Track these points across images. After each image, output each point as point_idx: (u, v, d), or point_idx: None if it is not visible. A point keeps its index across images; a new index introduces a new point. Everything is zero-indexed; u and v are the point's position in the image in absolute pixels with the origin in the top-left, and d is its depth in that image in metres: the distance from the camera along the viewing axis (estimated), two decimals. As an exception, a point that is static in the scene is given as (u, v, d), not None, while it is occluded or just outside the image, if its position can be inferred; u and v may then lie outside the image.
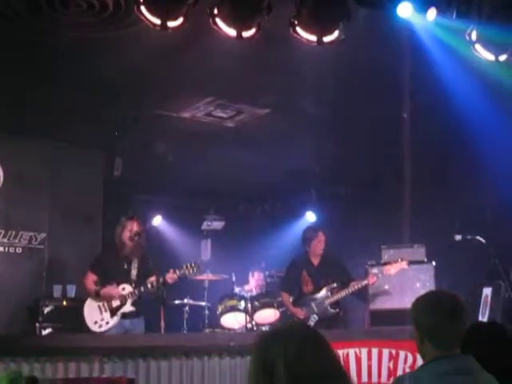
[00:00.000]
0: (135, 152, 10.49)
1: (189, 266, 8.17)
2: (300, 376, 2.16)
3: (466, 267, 9.11)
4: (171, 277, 7.98)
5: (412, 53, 7.27)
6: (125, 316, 8.01)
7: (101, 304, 7.99)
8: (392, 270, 8.64)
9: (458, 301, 3.18)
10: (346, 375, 2.26)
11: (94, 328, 7.91)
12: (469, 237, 8.66)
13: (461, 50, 6.64)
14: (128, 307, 8.00)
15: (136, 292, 7.99)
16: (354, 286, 8.61)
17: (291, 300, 8.84)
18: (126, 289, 8.05)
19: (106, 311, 7.97)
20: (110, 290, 8.01)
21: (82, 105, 8.67)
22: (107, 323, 7.93)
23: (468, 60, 6.80)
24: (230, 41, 6.08)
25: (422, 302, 3.23)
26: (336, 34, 5.97)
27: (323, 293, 8.70)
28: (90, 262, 8.38)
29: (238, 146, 10.20)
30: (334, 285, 8.69)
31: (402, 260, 8.69)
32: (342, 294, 8.63)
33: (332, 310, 8.64)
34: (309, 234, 9.03)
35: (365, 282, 8.64)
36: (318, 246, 8.89)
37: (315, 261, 8.95)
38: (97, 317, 7.96)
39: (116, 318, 7.96)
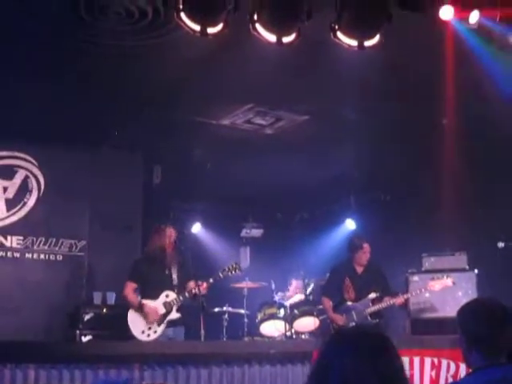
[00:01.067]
0: (174, 159, 10.53)
1: (231, 266, 8.21)
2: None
3: (510, 275, 8.94)
4: (203, 287, 7.97)
5: (454, 57, 7.17)
6: (170, 324, 8.00)
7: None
8: (436, 286, 8.50)
9: (506, 308, 3.12)
10: None
11: (142, 337, 7.88)
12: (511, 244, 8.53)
13: (503, 54, 6.53)
14: (174, 314, 7.99)
15: (181, 298, 7.98)
16: (387, 302, 8.52)
17: (332, 306, 8.79)
18: (170, 296, 8.04)
19: (153, 323, 7.95)
20: (150, 308, 7.98)
21: (121, 111, 8.69)
22: (155, 332, 7.92)
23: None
24: (270, 47, 6.05)
25: (471, 309, 3.17)
26: (377, 38, 5.89)
27: (364, 302, 8.62)
28: (129, 271, 8.38)
29: (276, 153, 10.16)
30: (376, 295, 8.61)
31: (447, 277, 8.55)
32: (383, 305, 8.55)
33: (371, 320, 8.54)
34: (355, 243, 8.97)
35: (396, 300, 8.52)
36: (363, 257, 8.84)
37: (359, 269, 8.89)
38: (143, 326, 7.94)
39: (163, 326, 7.95)
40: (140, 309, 8.00)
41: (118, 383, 2.47)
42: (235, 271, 8.28)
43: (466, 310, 3.16)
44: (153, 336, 7.91)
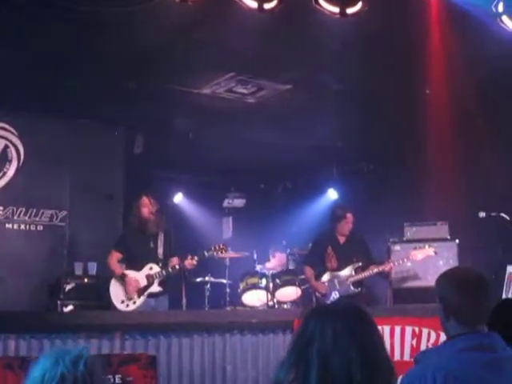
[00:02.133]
0: (156, 129, 10.45)
1: (217, 247, 8.19)
2: (330, 360, 2.09)
3: (490, 245, 8.98)
4: (190, 263, 7.97)
5: (438, 23, 7.13)
6: (151, 295, 8.00)
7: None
8: (418, 255, 8.55)
9: (484, 278, 3.11)
10: (388, 367, 2.18)
11: (121, 307, 7.90)
12: (493, 214, 8.55)
13: (486, 20, 6.49)
14: (155, 287, 7.99)
15: (163, 272, 7.97)
16: (372, 270, 8.56)
17: (314, 275, 8.81)
18: (154, 268, 8.03)
19: (132, 294, 7.95)
20: (131, 279, 7.96)
21: (101, 81, 8.60)
22: (134, 303, 7.92)
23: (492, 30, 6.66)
24: (251, 13, 5.98)
25: (448, 278, 3.16)
26: (359, 5, 5.85)
27: (347, 271, 8.65)
28: (115, 241, 8.37)
29: (259, 122, 10.11)
30: (359, 264, 8.64)
31: (429, 246, 8.59)
32: (365, 274, 8.58)
33: (354, 289, 8.58)
34: (338, 213, 8.97)
35: (381, 268, 8.56)
36: (346, 227, 8.85)
37: (341, 239, 8.90)
38: (123, 296, 7.95)
39: (143, 298, 7.95)
40: (121, 278, 7.99)
41: (72, 353, 2.44)
42: (222, 252, 8.29)
43: (444, 279, 3.14)
44: (132, 307, 7.91)
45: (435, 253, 8.59)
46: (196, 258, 8.00)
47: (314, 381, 2.07)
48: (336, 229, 8.92)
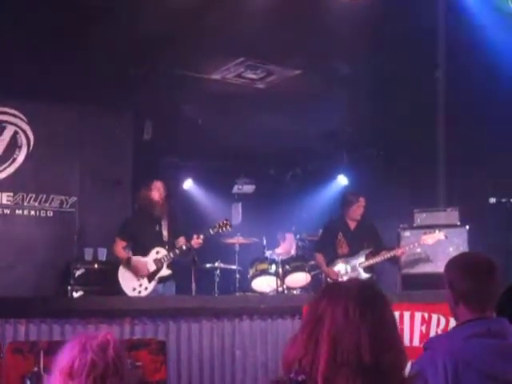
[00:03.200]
0: (165, 115, 10.44)
1: (221, 223, 8.18)
2: (340, 339, 2.08)
3: (500, 231, 8.95)
4: (196, 242, 7.94)
5: (447, 10, 7.08)
6: (161, 280, 8.00)
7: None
8: (429, 240, 8.55)
9: (493, 263, 3.09)
10: (398, 349, 2.15)
11: (133, 294, 7.87)
12: (503, 200, 8.51)
13: (498, 5, 6.44)
14: (165, 271, 7.98)
15: (171, 254, 7.96)
16: (384, 255, 8.57)
17: (325, 261, 8.81)
18: (161, 252, 8.01)
19: (142, 277, 7.95)
20: (139, 261, 7.97)
21: (110, 67, 8.59)
22: (146, 288, 7.91)
23: (505, 16, 6.60)
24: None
25: (457, 263, 3.14)
26: (369, -11, 5.81)
27: (358, 257, 8.65)
28: (118, 229, 8.34)
29: (268, 108, 10.09)
30: (369, 250, 8.64)
31: (439, 231, 8.58)
32: (376, 259, 8.58)
33: (365, 274, 8.58)
34: (350, 197, 8.96)
35: (393, 253, 8.57)
36: (357, 211, 8.83)
37: (352, 224, 8.89)
38: (134, 283, 7.93)
39: (154, 283, 7.94)
40: (128, 264, 7.97)
41: (98, 338, 2.39)
42: (226, 227, 8.26)
43: (452, 265, 3.13)
44: (143, 293, 7.91)
45: (446, 237, 8.58)
46: (202, 236, 7.98)
47: (323, 360, 2.06)
48: (347, 214, 8.90)
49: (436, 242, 8.60)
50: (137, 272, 7.91)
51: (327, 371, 2.05)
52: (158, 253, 8.01)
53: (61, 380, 2.47)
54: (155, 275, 7.96)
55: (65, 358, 2.47)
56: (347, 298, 2.14)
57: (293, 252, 10.32)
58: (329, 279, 8.72)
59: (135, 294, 7.88)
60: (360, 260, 8.64)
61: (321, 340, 2.09)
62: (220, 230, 8.21)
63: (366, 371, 2.05)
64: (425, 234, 8.63)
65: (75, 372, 2.44)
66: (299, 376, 2.10)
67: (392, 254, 8.58)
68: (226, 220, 8.31)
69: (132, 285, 7.93)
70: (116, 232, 8.29)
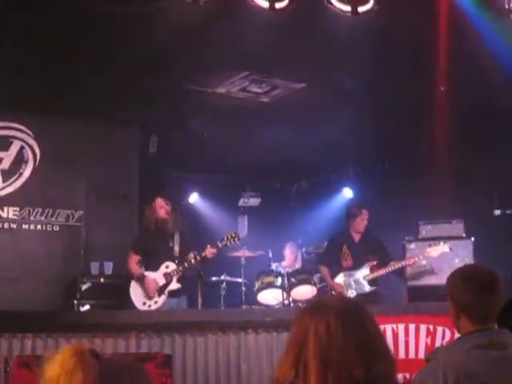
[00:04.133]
0: (171, 129, 10.48)
1: (229, 236, 8.20)
2: (327, 356, 2.08)
3: (506, 242, 8.95)
4: (210, 251, 7.98)
5: (450, 23, 7.10)
6: (172, 294, 8.03)
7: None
8: (434, 252, 8.55)
9: (495, 274, 3.10)
10: (386, 359, 2.15)
11: (143, 308, 7.94)
12: (508, 212, 8.53)
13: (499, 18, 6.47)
14: (174, 285, 8.03)
15: (180, 268, 8.00)
16: (394, 266, 8.59)
17: (329, 274, 8.82)
18: (170, 266, 8.06)
19: (151, 298, 7.99)
20: (149, 280, 8.00)
21: (116, 81, 8.64)
22: (156, 302, 7.96)
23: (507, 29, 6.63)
24: (264, 13, 5.99)
25: (458, 275, 3.16)
26: (371, 3, 5.84)
27: (362, 269, 8.67)
28: (133, 243, 8.40)
29: (273, 121, 10.11)
30: (374, 262, 8.65)
31: (444, 243, 8.58)
32: (382, 272, 8.60)
33: (370, 287, 8.59)
34: (353, 210, 9.01)
35: (404, 263, 8.59)
36: (361, 223, 8.86)
37: (356, 237, 8.91)
38: (144, 298, 7.99)
39: (164, 297, 7.98)
40: (141, 280, 8.03)
41: None
42: (234, 241, 8.28)
43: (455, 277, 3.14)
44: (154, 307, 7.96)
45: (450, 249, 8.58)
46: (212, 247, 8.02)
47: (313, 380, 2.06)
48: (351, 227, 8.93)
49: (441, 255, 8.61)
50: (147, 290, 7.97)
51: None
52: (167, 267, 8.06)
53: None
54: (165, 289, 8.00)
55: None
56: (328, 314, 2.15)
57: (297, 265, 10.34)
58: (334, 292, 8.73)
59: (145, 307, 7.94)
60: (364, 273, 8.65)
61: (308, 360, 2.09)
62: (228, 243, 8.23)
63: None
64: (429, 246, 8.64)
65: None
66: None
67: (403, 263, 8.59)
68: (235, 233, 8.34)
69: (142, 299, 7.98)
70: (130, 245, 8.36)
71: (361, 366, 2.06)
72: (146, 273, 8.08)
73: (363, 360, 2.07)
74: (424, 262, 8.87)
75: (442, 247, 8.57)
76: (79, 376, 1.99)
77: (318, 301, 2.34)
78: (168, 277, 8.01)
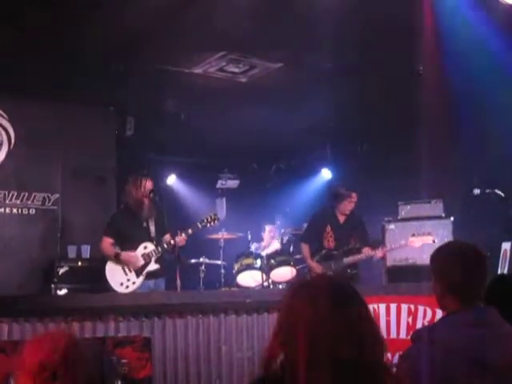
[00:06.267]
0: (147, 111, 10.38)
1: (209, 217, 8.16)
2: (317, 337, 2.05)
3: (485, 222, 8.96)
4: (181, 240, 7.91)
5: (430, 5, 7.06)
6: (150, 275, 7.95)
7: (124, 265, 7.93)
8: (416, 243, 8.46)
9: (480, 252, 3.08)
10: (376, 340, 2.12)
11: (121, 289, 7.83)
12: (487, 191, 8.52)
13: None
14: (153, 265, 7.94)
15: (159, 249, 7.93)
16: (367, 253, 8.53)
17: (310, 253, 8.78)
18: (148, 247, 7.97)
19: (130, 272, 7.91)
20: (129, 255, 7.93)
21: (91, 63, 8.53)
22: (134, 283, 7.87)
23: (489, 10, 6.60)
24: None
25: (442, 253, 3.12)
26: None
27: (343, 252, 8.61)
28: (104, 227, 8.27)
29: (251, 102, 10.04)
30: (355, 246, 8.60)
31: (429, 234, 8.50)
32: (361, 256, 8.56)
33: (349, 271, 8.55)
34: (342, 192, 8.85)
35: (375, 253, 8.54)
36: (348, 206, 8.77)
37: (341, 218, 8.84)
38: (122, 278, 7.89)
39: (142, 278, 7.90)
40: (117, 259, 7.92)
41: None
42: (214, 222, 8.23)
43: (438, 255, 3.11)
44: (131, 287, 7.86)
45: (433, 241, 8.47)
46: (184, 234, 7.94)
47: (302, 360, 2.02)
48: (337, 208, 8.83)
49: (419, 230, 8.59)
50: (129, 265, 7.87)
51: (307, 370, 2.02)
52: (145, 248, 7.97)
53: (23, 380, 2.55)
54: (143, 270, 7.92)
55: (24, 358, 2.53)
56: (318, 294, 2.12)
57: (276, 246, 10.30)
58: (312, 273, 8.68)
59: (123, 288, 7.83)
60: (344, 256, 8.60)
61: (298, 341, 2.06)
62: (208, 225, 8.19)
63: (347, 367, 2.02)
64: (413, 235, 8.54)
65: (31, 372, 2.52)
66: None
67: (373, 253, 8.55)
68: (215, 214, 8.29)
69: (120, 280, 7.88)
70: (103, 229, 8.22)
71: (350, 346, 2.04)
72: (124, 252, 7.97)
73: (353, 340, 2.05)
74: (403, 242, 8.80)
75: (426, 239, 8.46)
76: None
77: (308, 281, 2.30)
78: (146, 257, 7.93)
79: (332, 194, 9.06)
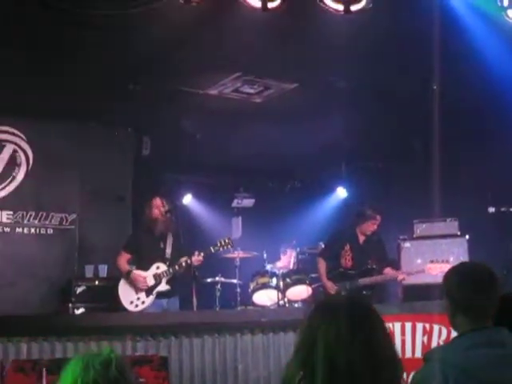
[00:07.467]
0: (163, 130, 10.46)
1: (223, 241, 8.21)
2: (335, 360, 2.07)
3: (500, 240, 8.95)
4: (196, 259, 7.97)
5: (442, 21, 7.08)
6: (161, 295, 8.01)
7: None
8: (433, 271, 8.40)
9: (491, 272, 3.10)
10: (394, 366, 2.14)
11: (131, 308, 7.93)
12: (502, 209, 8.52)
13: (492, 15, 6.46)
14: (163, 286, 8.01)
15: (170, 270, 7.99)
16: (386, 276, 8.53)
17: (326, 270, 8.76)
18: (161, 267, 8.06)
19: (141, 291, 7.98)
20: (138, 275, 8.00)
21: (108, 83, 8.62)
22: (143, 302, 7.96)
23: (500, 26, 6.63)
24: (256, 13, 5.98)
25: (454, 273, 3.15)
26: (364, 2, 5.83)
27: (360, 272, 8.58)
28: (124, 242, 8.40)
29: (266, 122, 10.09)
30: (372, 267, 8.57)
31: (447, 262, 8.44)
32: (377, 279, 8.53)
33: (364, 292, 8.51)
34: (368, 212, 8.80)
35: (395, 277, 8.53)
36: (371, 227, 8.74)
37: (361, 238, 8.82)
38: (132, 297, 7.98)
39: (152, 297, 7.98)
40: (128, 277, 8.01)
41: (100, 356, 2.43)
42: (227, 247, 8.31)
43: (451, 275, 3.13)
44: (141, 306, 7.95)
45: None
46: (202, 253, 8.01)
47: (320, 382, 2.05)
48: (359, 227, 8.82)
49: (434, 248, 8.59)
50: (135, 285, 7.96)
51: None
52: (158, 268, 8.05)
53: None
54: (153, 290, 7.99)
55: (68, 376, 2.49)
56: (339, 316, 2.14)
57: (291, 266, 10.31)
58: (325, 292, 8.67)
59: (132, 307, 7.93)
60: (360, 276, 8.57)
61: (317, 362, 2.08)
62: (221, 249, 8.25)
63: None
64: (431, 262, 8.50)
65: None
66: None
67: (395, 275, 8.53)
68: (229, 238, 8.34)
69: (130, 298, 7.97)
70: (122, 244, 8.34)
71: (367, 371, 2.05)
72: (135, 271, 8.06)
73: (370, 365, 2.07)
74: (419, 261, 8.82)
75: (444, 266, 8.37)
76: None
77: (328, 301, 2.33)
78: (157, 277, 8.00)
79: (357, 213, 9.00)
